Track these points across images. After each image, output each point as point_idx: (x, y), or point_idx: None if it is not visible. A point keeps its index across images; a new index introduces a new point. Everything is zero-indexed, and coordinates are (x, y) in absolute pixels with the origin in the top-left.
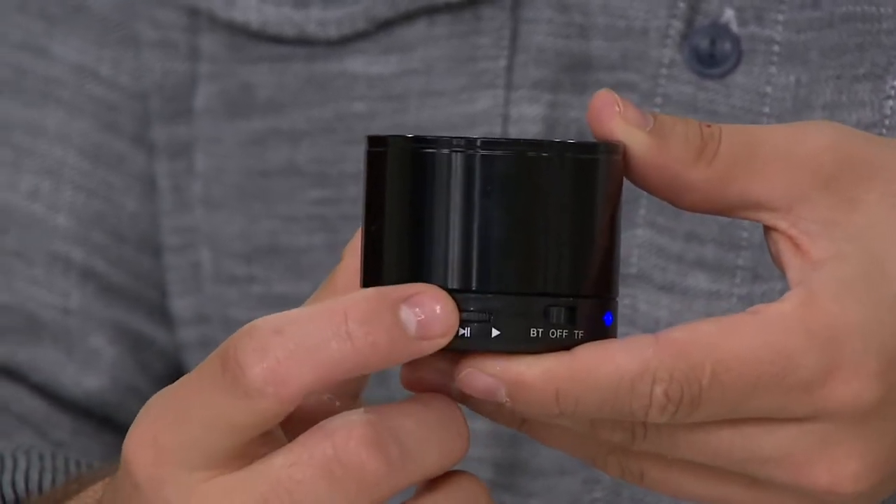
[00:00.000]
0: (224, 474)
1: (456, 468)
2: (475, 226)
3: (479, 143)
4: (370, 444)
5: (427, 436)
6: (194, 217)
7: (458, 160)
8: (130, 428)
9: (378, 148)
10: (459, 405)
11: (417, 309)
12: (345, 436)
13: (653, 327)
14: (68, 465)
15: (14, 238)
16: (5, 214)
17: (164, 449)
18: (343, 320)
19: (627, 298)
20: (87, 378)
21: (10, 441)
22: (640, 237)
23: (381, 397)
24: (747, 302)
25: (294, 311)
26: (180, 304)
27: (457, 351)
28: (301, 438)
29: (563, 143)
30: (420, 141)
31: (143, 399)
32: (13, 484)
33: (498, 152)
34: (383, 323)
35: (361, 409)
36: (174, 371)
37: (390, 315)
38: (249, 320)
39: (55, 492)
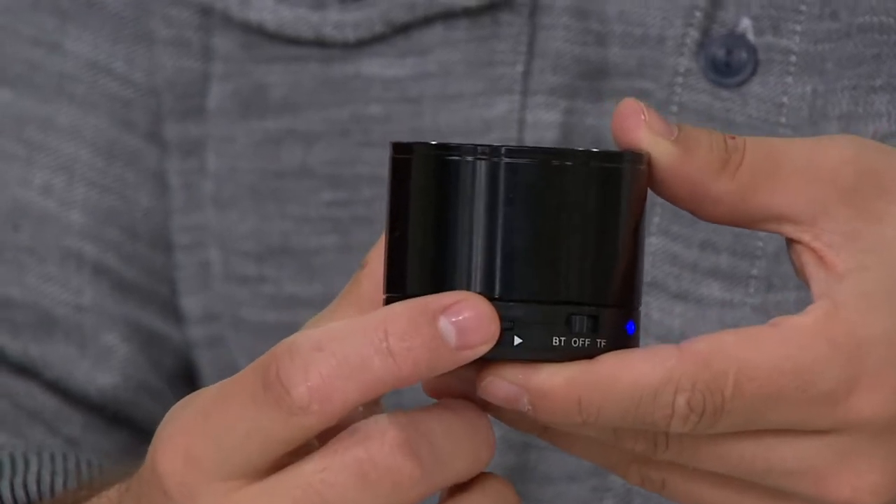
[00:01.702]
0: (257, 482)
1: None
2: (498, 233)
3: (503, 151)
4: (404, 448)
5: (457, 440)
6: (205, 216)
7: (482, 168)
8: (157, 435)
9: (402, 155)
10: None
11: (456, 318)
12: (379, 439)
13: (666, 335)
14: (80, 467)
15: (27, 234)
16: (18, 210)
17: (198, 459)
18: (384, 336)
19: (641, 307)
20: (100, 374)
21: (21, 437)
22: (654, 245)
23: (392, 404)
24: (761, 311)
25: (333, 327)
26: (189, 303)
27: (479, 358)
28: (332, 443)
29: (587, 152)
30: (444, 148)
31: (155, 396)
32: (24, 486)
33: (522, 160)
34: (423, 337)
35: (390, 413)
36: (186, 369)
37: (429, 328)
38: (259, 321)
39: (65, 494)
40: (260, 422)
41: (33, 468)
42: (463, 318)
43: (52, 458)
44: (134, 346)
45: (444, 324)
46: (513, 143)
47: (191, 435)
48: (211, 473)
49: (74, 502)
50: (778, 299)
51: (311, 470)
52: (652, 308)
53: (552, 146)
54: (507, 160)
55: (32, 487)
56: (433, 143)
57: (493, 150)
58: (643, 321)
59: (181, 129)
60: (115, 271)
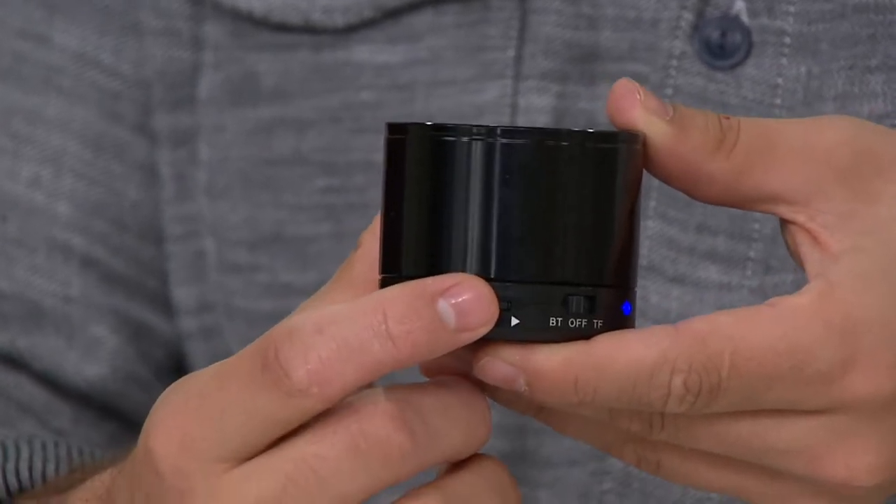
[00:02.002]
0: (251, 460)
1: None
2: (494, 214)
3: (498, 132)
4: (396, 420)
5: (451, 416)
6: (197, 206)
7: (477, 148)
8: (150, 418)
9: (397, 135)
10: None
11: (455, 300)
12: (370, 411)
13: (663, 319)
14: (71, 454)
15: (15, 226)
16: (6, 202)
17: (193, 441)
18: (382, 319)
19: (638, 290)
20: (89, 366)
21: (11, 429)
22: (651, 229)
23: (384, 382)
24: (758, 294)
25: (333, 310)
26: (182, 293)
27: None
28: (324, 416)
29: (583, 133)
30: (439, 129)
31: (144, 387)
32: (17, 472)
33: (518, 140)
34: (422, 320)
35: (384, 388)
36: (175, 360)
37: (429, 310)
38: (254, 309)
39: (58, 480)
40: (258, 403)
41: (24, 455)
42: (462, 300)
43: (44, 446)
44: (122, 337)
45: (444, 306)
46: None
47: (186, 417)
48: (207, 455)
49: (67, 486)
50: (775, 281)
51: (302, 444)
52: (650, 291)
53: (548, 126)
54: (502, 140)
55: (24, 474)
56: (428, 123)
57: (489, 131)
58: (641, 305)
59: (172, 119)
60: (103, 263)
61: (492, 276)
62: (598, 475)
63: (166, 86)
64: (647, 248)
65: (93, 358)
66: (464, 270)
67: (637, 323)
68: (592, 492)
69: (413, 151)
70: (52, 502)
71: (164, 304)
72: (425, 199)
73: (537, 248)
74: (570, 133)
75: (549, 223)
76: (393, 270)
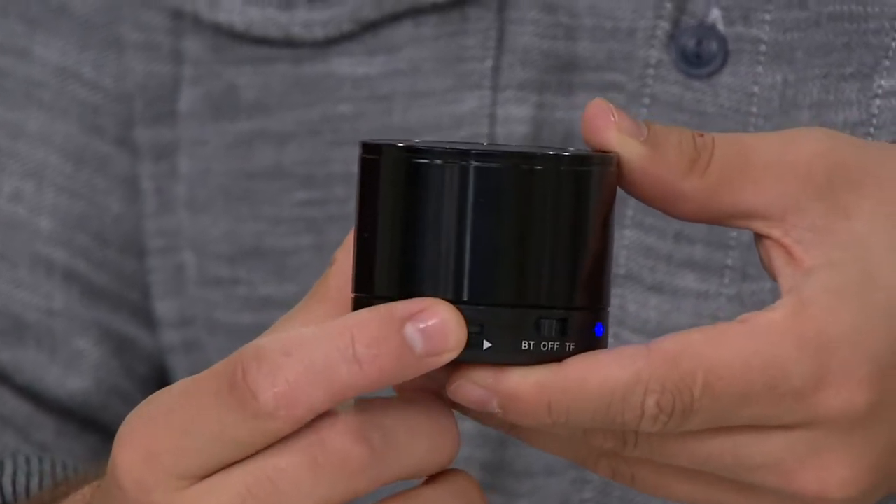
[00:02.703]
0: (212, 476)
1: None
2: (467, 237)
3: (472, 155)
4: (354, 432)
5: (413, 430)
6: (178, 219)
7: (451, 171)
8: (120, 431)
9: (371, 155)
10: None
11: (423, 325)
12: (329, 424)
13: (641, 328)
14: (55, 468)
15: None
16: None
17: (157, 456)
18: (350, 343)
19: (616, 299)
20: (71, 379)
21: None
22: (628, 238)
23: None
24: (736, 302)
25: (301, 332)
26: (164, 307)
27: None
28: None
29: (557, 156)
30: (413, 151)
31: (127, 401)
32: (0, 488)
33: (492, 164)
34: (390, 344)
35: (346, 402)
36: (158, 373)
37: (396, 335)
38: (234, 323)
39: (42, 495)
40: (224, 423)
41: (8, 470)
42: (429, 325)
43: (28, 461)
44: (105, 350)
45: (410, 331)
46: (483, 143)
47: (152, 432)
48: (169, 471)
49: (51, 500)
50: (753, 289)
51: (262, 456)
52: (627, 300)
53: (521, 148)
54: (475, 164)
55: (8, 489)
56: (401, 144)
57: (463, 154)
58: (619, 314)
59: (153, 133)
60: (85, 277)
61: (464, 299)
62: (578, 484)
63: (147, 100)
64: (625, 257)
65: (75, 371)
66: (436, 292)
67: (615, 332)
68: (572, 501)
69: (387, 172)
70: None
71: (147, 318)
72: (398, 220)
73: (510, 271)
74: (544, 156)
75: (522, 246)
76: (366, 290)
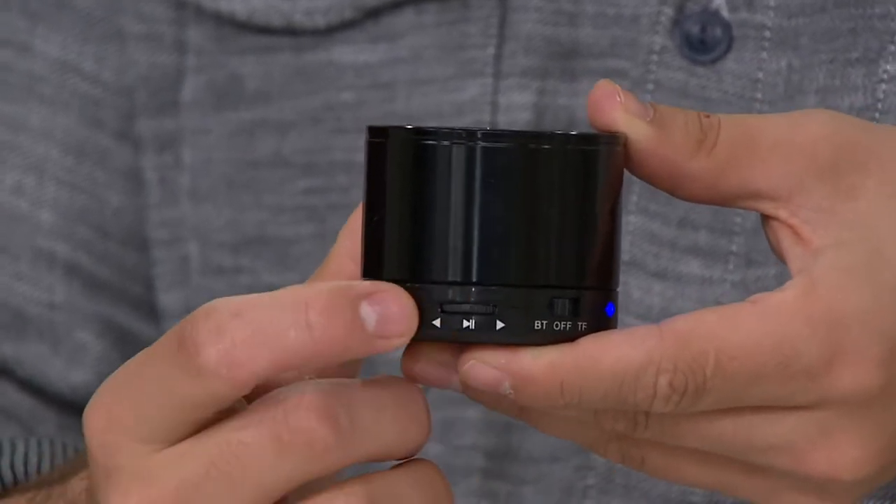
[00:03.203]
0: (178, 443)
1: (447, 456)
2: (478, 218)
3: (479, 135)
4: (320, 411)
5: (381, 412)
6: (181, 210)
7: (458, 152)
8: (92, 396)
9: (378, 139)
10: (423, 391)
11: (377, 307)
12: (295, 402)
13: (645, 314)
14: (66, 452)
15: None
16: None
17: (117, 419)
18: (304, 310)
19: (621, 285)
20: (73, 372)
21: None
22: (632, 224)
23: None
24: (741, 288)
25: (255, 295)
26: (168, 298)
27: (460, 342)
28: (252, 405)
29: (564, 135)
30: (420, 132)
31: None
32: (12, 468)
33: (499, 144)
34: (343, 317)
35: (314, 381)
36: None
37: (351, 310)
38: None
39: (55, 471)
40: (172, 383)
41: (20, 450)
42: (385, 308)
43: (39, 443)
44: (107, 343)
45: (366, 310)
46: (489, 126)
47: (114, 395)
48: (130, 434)
49: (71, 472)
50: (758, 275)
51: (228, 430)
52: (631, 287)
53: (528, 129)
54: (483, 144)
55: (20, 468)
56: (409, 126)
57: (470, 134)
58: (623, 300)
59: (156, 124)
60: (86, 270)
61: (475, 280)
62: (582, 470)
63: (150, 91)
64: (629, 243)
65: (78, 364)
66: (447, 274)
67: (619, 318)
68: (576, 487)
69: (394, 155)
70: (54, 491)
71: (149, 310)
72: (406, 203)
73: (521, 251)
74: (551, 136)
75: (531, 226)
76: (374, 274)
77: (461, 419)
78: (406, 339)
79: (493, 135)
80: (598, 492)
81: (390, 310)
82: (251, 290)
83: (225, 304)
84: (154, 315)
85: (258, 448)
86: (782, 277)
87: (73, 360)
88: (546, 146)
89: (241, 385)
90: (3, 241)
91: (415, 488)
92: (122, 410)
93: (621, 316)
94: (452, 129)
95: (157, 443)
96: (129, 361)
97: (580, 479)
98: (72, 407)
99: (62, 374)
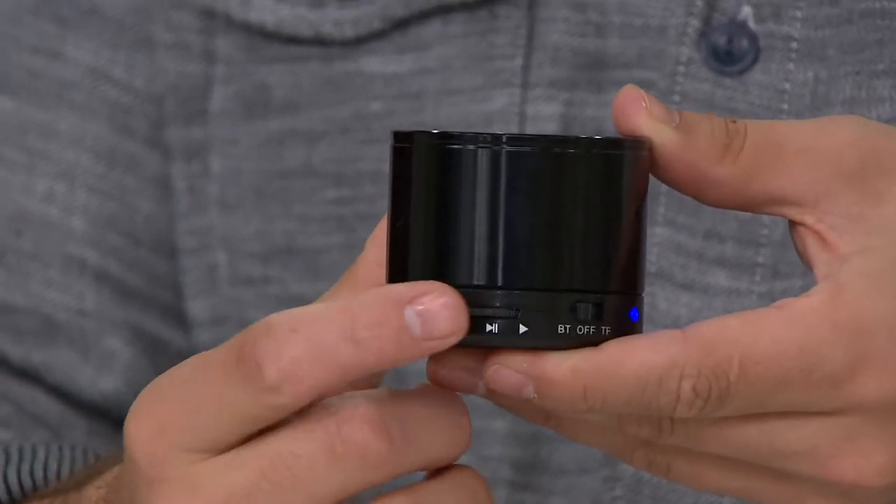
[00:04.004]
0: (226, 452)
1: (474, 467)
2: (501, 222)
3: (504, 139)
4: (374, 424)
5: (431, 423)
6: (210, 218)
7: (483, 156)
8: (133, 404)
9: (403, 144)
10: (461, 398)
11: (423, 308)
12: (349, 414)
13: (672, 325)
14: (87, 457)
15: (29, 241)
16: (20, 217)
17: (168, 429)
18: (351, 323)
19: (647, 297)
20: (103, 379)
21: (27, 441)
22: (659, 235)
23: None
24: (767, 299)
25: (308, 309)
26: (196, 306)
27: (484, 347)
28: (304, 416)
29: (589, 139)
30: (445, 137)
31: None
32: (31, 473)
33: (524, 148)
34: (390, 326)
35: (366, 391)
36: None
37: (397, 317)
38: None
39: (77, 475)
40: (230, 396)
41: (41, 456)
42: (428, 309)
43: (60, 449)
44: (136, 350)
45: (411, 314)
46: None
47: (163, 403)
48: (179, 443)
49: (86, 480)
50: (784, 287)
51: (280, 440)
52: (658, 298)
53: (554, 134)
54: (508, 148)
55: (39, 475)
56: (434, 131)
57: (495, 139)
58: (649, 311)
59: (185, 133)
60: (116, 277)
61: (500, 284)
62: (610, 482)
63: (179, 99)
64: (656, 255)
65: (107, 371)
66: (471, 278)
67: (645, 329)
68: (603, 498)
69: (419, 160)
70: (70, 498)
71: (178, 318)
72: (432, 208)
73: (545, 255)
74: (576, 140)
75: (556, 230)
76: (400, 279)
77: (488, 430)
78: (458, 337)
79: (518, 139)
80: (625, 502)
81: (433, 309)
82: (280, 300)
83: (281, 319)
84: (183, 323)
85: (311, 459)
86: (809, 289)
87: (102, 367)
88: (571, 150)
89: (303, 400)
90: (34, 248)
91: (458, 496)
92: (171, 419)
93: (647, 327)
94: (477, 133)
95: (204, 452)
96: (172, 372)
97: (608, 490)
98: (101, 414)
99: (91, 380)
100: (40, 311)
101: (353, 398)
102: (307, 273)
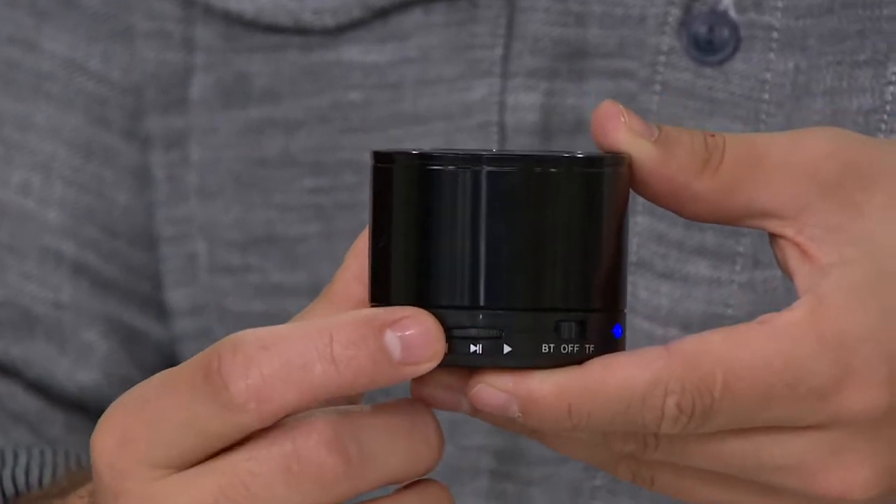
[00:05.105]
0: (187, 470)
1: (456, 456)
2: (483, 242)
3: (484, 159)
4: (329, 443)
5: (391, 440)
6: (189, 207)
7: (463, 177)
8: (101, 418)
9: (383, 164)
10: (434, 413)
11: (403, 333)
12: (305, 433)
13: (653, 315)
14: (68, 461)
15: (6, 233)
16: None
17: (132, 442)
18: (329, 342)
19: (628, 286)
20: (81, 372)
21: (6, 438)
22: (640, 224)
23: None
24: (748, 289)
25: (282, 327)
26: (175, 296)
27: (468, 367)
28: (262, 433)
29: (570, 158)
30: (426, 158)
31: None
32: (13, 479)
33: (504, 168)
34: (368, 348)
35: (324, 409)
36: (168, 364)
37: (375, 339)
38: (245, 311)
39: (60, 482)
40: (196, 413)
41: (22, 461)
42: (409, 334)
43: (42, 453)
44: (114, 342)
45: (391, 337)
46: (497, 128)
47: (128, 418)
48: (142, 458)
49: (70, 487)
50: (765, 276)
51: (238, 459)
52: (639, 287)
53: (534, 152)
54: (488, 168)
55: (21, 479)
56: (414, 151)
57: (475, 159)
58: (631, 301)
59: (164, 121)
60: (94, 269)
61: (482, 305)
62: (590, 471)
63: (159, 88)
64: (637, 244)
65: (85, 364)
66: (454, 299)
67: (627, 318)
68: (583, 488)
69: (399, 180)
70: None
71: (156, 309)
72: (413, 228)
73: (527, 275)
74: (556, 159)
75: (538, 250)
76: (382, 300)
77: (469, 420)
78: (434, 364)
79: (498, 159)
80: (605, 492)
81: (414, 335)
82: (259, 289)
83: (252, 337)
84: (162, 313)
85: (268, 479)
86: (788, 280)
87: (80, 359)
88: (551, 169)
89: (269, 418)
90: (11, 240)
91: None
92: (136, 434)
93: (629, 317)
94: (457, 153)
95: (168, 468)
96: (142, 386)
97: (588, 479)
98: (79, 407)
99: (69, 373)
100: (17, 303)
101: (311, 416)
102: (286, 262)
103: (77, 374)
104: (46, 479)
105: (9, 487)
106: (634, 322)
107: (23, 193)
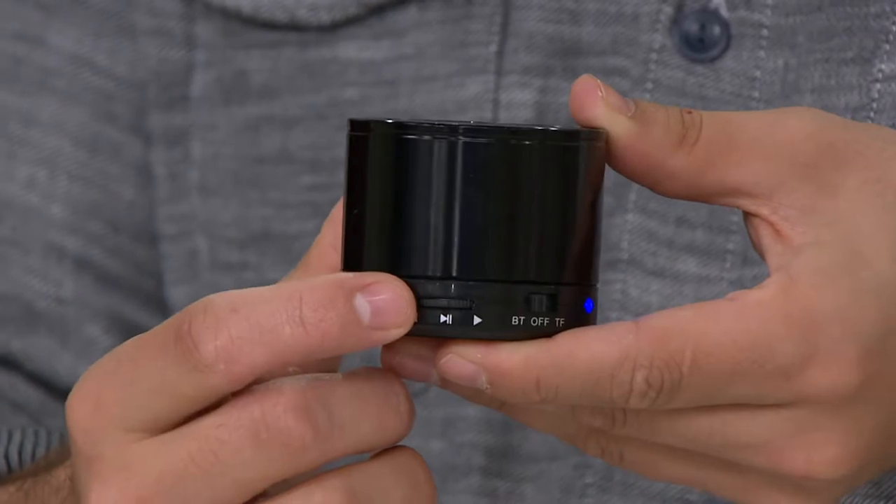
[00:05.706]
0: (160, 435)
1: (448, 453)
2: (457, 213)
3: (460, 130)
4: (297, 410)
5: (360, 407)
6: (190, 205)
7: (439, 147)
8: (77, 381)
9: (360, 132)
10: (405, 382)
11: (373, 298)
12: (273, 400)
13: (644, 312)
14: (63, 440)
15: (9, 227)
16: (1, 204)
17: (105, 406)
18: (298, 304)
19: (618, 283)
20: (82, 367)
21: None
22: (630, 222)
23: None
24: (738, 286)
25: (252, 290)
26: (176, 293)
27: (438, 337)
28: (232, 401)
29: (545, 131)
30: (401, 127)
31: None
32: (6, 456)
33: (480, 139)
34: (337, 310)
35: (293, 377)
36: None
37: (345, 303)
38: None
39: (44, 459)
40: (167, 375)
41: (16, 439)
42: (379, 299)
43: (36, 433)
44: (116, 338)
45: (361, 302)
46: (470, 120)
47: (102, 382)
48: (116, 422)
49: (48, 465)
50: (755, 273)
51: (207, 425)
52: (629, 285)
53: (510, 124)
54: (464, 139)
55: (14, 457)
56: (390, 120)
57: (451, 129)
58: (621, 298)
59: (166, 118)
60: (97, 264)
61: (454, 275)
62: (581, 469)
63: (161, 85)
64: (627, 242)
65: (86, 359)
66: (426, 268)
67: (618, 316)
68: (575, 485)
69: (375, 149)
70: (39, 478)
71: (158, 305)
72: (387, 197)
73: (499, 246)
74: (531, 131)
75: (511, 222)
76: (354, 267)
77: (461, 417)
78: (404, 330)
79: (474, 130)
80: (597, 490)
81: (384, 300)
82: (256, 286)
83: (222, 299)
84: (164, 310)
85: (236, 446)
86: (762, 258)
87: (81, 354)
88: (527, 142)
89: (239, 380)
90: (15, 234)
91: (394, 478)
92: (110, 398)
93: (620, 314)
94: (433, 123)
95: (141, 432)
96: (116, 350)
97: (579, 477)
98: None
99: (70, 368)
100: (21, 297)
101: (280, 383)
102: (283, 259)
103: (78, 369)
104: (40, 454)
105: (1, 465)
106: (625, 320)
107: (27, 188)
